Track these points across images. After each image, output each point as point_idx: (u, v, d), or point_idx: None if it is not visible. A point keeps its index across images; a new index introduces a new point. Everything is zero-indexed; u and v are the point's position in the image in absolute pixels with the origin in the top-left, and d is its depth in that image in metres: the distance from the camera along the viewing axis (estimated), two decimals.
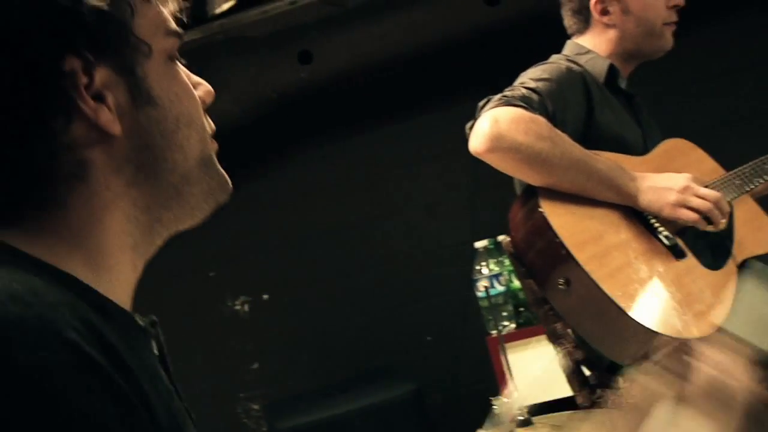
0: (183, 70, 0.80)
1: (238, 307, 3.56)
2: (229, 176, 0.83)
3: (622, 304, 1.56)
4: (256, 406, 3.50)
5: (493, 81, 1.83)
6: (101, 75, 0.68)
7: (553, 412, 1.52)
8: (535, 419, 1.44)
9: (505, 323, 2.82)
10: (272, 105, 3.18)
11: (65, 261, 0.66)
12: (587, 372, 1.89)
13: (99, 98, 0.68)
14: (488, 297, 2.82)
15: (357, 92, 3.33)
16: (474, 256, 2.85)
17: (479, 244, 2.86)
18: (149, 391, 0.60)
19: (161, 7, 0.77)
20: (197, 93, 0.80)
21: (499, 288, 2.81)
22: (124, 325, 0.68)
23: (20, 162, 0.65)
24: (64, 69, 0.65)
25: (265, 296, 3.55)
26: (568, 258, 1.59)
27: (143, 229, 0.74)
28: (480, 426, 1.47)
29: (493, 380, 2.76)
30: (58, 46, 0.65)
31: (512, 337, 2.76)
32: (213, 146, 0.81)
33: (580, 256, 1.60)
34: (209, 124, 0.81)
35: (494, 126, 1.58)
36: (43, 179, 0.66)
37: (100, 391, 0.52)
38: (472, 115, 1.72)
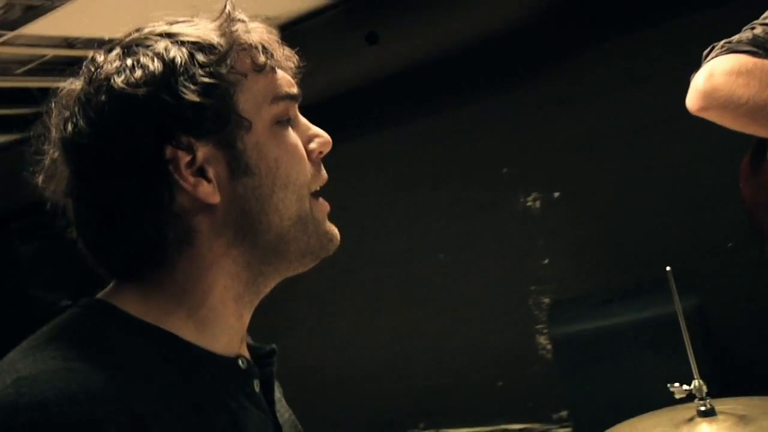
0: (302, 123, 0.87)
1: (530, 204, 3.63)
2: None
3: None
4: (546, 300, 3.61)
5: None
6: (203, 152, 0.78)
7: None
8: (718, 408, 1.35)
9: None
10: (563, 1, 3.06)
11: (170, 317, 0.79)
12: None
13: (201, 172, 0.78)
14: None
15: None
16: None
17: None
18: None
19: (277, 71, 0.84)
20: (312, 146, 0.86)
21: None
22: (222, 377, 0.80)
23: (136, 231, 0.78)
24: (165, 157, 0.77)
25: (556, 194, 3.56)
26: None
27: (246, 283, 0.83)
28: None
29: None
30: (159, 140, 0.77)
31: None
32: (318, 207, 0.85)
33: None
34: (321, 176, 0.87)
35: (708, 81, 1.39)
36: (156, 245, 0.79)
37: None
38: None
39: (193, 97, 0.76)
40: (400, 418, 4.09)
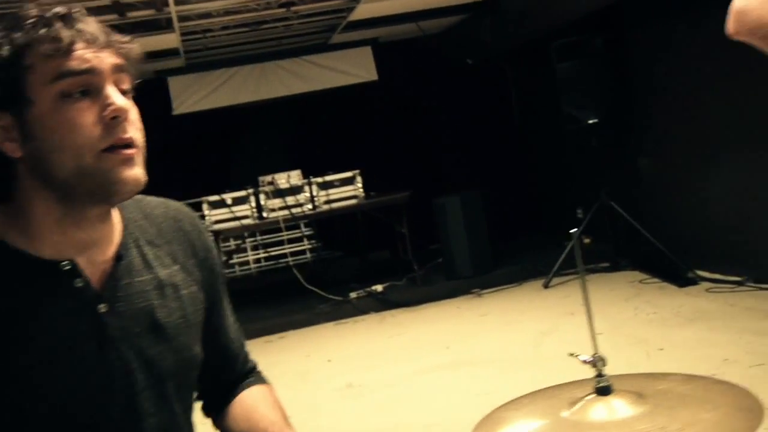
0: (103, 94, 1.04)
1: None
2: None
3: None
4: None
5: None
6: (5, 121, 1.05)
7: None
8: (615, 386, 1.14)
9: None
10: None
11: (10, 233, 1.08)
12: None
13: (7, 134, 1.05)
14: None
15: None
16: None
17: None
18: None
19: (72, 53, 1.03)
20: (104, 113, 1.05)
21: None
22: (36, 273, 1.06)
23: None
24: None
25: None
26: None
27: (63, 210, 1.08)
28: None
29: None
30: None
31: None
32: (109, 159, 1.04)
33: None
34: (113, 135, 1.05)
35: (739, 1, 1.23)
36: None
37: None
38: None
39: None
40: None
